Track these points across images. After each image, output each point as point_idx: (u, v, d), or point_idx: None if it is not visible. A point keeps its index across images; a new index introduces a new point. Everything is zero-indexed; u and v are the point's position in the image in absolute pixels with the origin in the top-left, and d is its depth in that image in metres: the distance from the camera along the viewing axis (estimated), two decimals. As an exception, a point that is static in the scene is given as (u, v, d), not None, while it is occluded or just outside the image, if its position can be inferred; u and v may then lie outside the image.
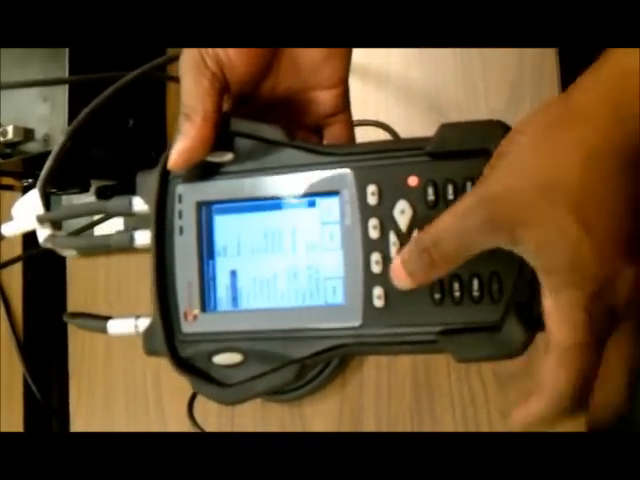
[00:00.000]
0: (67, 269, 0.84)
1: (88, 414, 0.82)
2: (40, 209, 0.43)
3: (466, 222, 0.32)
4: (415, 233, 0.36)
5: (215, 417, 0.74)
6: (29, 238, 0.44)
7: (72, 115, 0.65)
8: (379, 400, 0.68)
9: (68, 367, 0.83)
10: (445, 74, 0.65)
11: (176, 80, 0.70)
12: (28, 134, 0.68)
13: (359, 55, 0.67)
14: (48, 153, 0.46)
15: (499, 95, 0.63)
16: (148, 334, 0.40)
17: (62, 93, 0.66)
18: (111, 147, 0.73)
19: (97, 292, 0.82)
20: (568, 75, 0.59)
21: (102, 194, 0.74)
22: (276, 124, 0.39)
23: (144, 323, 0.40)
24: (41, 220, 0.42)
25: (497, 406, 0.63)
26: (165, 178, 0.40)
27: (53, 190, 0.69)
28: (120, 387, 0.80)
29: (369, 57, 0.68)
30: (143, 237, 0.41)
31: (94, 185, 0.73)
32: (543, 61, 0.61)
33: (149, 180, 0.40)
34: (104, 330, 0.42)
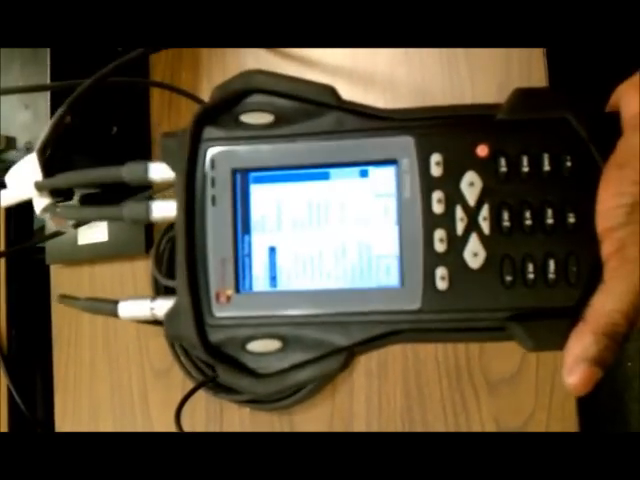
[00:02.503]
0: (51, 278, 0.81)
1: (74, 425, 0.79)
2: (38, 175, 0.38)
3: None
4: (485, 208, 0.33)
5: (203, 426, 0.72)
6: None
7: (55, 122, 0.63)
8: (370, 408, 0.66)
9: (53, 378, 0.80)
10: (431, 75, 0.64)
11: (160, 86, 0.67)
12: (10, 142, 0.65)
13: (345, 57, 0.67)
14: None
15: (486, 96, 0.62)
16: (172, 317, 0.35)
17: (44, 100, 0.64)
18: (94, 154, 0.70)
19: None
20: (556, 76, 0.59)
21: (86, 202, 0.71)
22: (325, 83, 0.35)
23: (162, 305, 0.36)
24: (40, 187, 0.37)
25: (490, 412, 0.62)
26: (197, 140, 0.35)
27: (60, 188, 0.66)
28: (106, 397, 0.78)
29: (355, 59, 0.67)
30: (162, 208, 0.36)
31: (77, 193, 0.69)
32: (530, 62, 0.61)
33: (177, 143, 0.35)
34: (115, 313, 0.37)
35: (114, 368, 0.77)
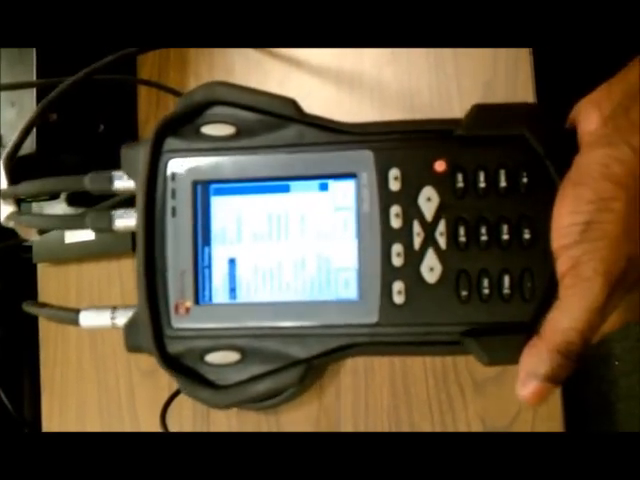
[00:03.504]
0: (38, 277, 0.81)
1: (61, 425, 0.79)
2: (4, 183, 0.38)
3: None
4: (442, 223, 0.33)
5: (190, 426, 0.72)
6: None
7: (40, 119, 0.63)
8: (356, 407, 0.67)
9: (40, 379, 0.81)
10: (418, 75, 0.64)
11: (147, 84, 0.67)
12: None
13: (332, 58, 0.67)
14: (17, 160, 0.42)
15: (473, 96, 0.62)
16: (131, 327, 0.35)
17: (30, 97, 0.64)
18: (81, 152, 0.70)
19: (69, 300, 0.80)
20: (542, 76, 0.58)
21: (73, 201, 0.72)
22: (286, 96, 0.34)
23: (122, 315, 0.36)
24: (4, 195, 0.37)
25: (476, 412, 0.62)
26: (157, 151, 0.35)
27: (22, 197, 0.65)
28: (93, 398, 0.78)
29: (342, 60, 0.67)
30: (124, 218, 0.36)
31: (64, 193, 0.70)
32: (517, 62, 0.60)
33: (137, 153, 0.35)
34: (75, 322, 0.37)
35: (101, 368, 0.77)
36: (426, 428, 0.63)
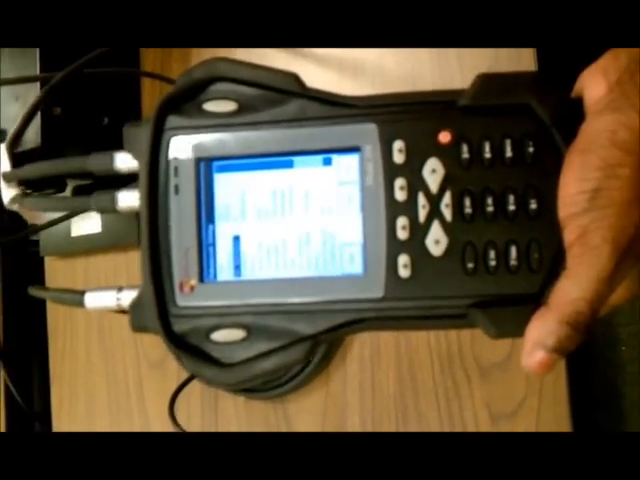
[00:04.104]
0: (45, 270, 0.81)
1: (70, 418, 0.80)
2: (7, 166, 0.38)
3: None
4: (447, 195, 0.32)
5: (198, 417, 0.72)
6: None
7: (45, 114, 0.64)
8: (363, 395, 0.66)
9: (49, 371, 0.81)
10: (421, 63, 0.64)
11: (151, 76, 0.67)
12: (1, 134, 0.63)
13: None
14: (21, 154, 0.42)
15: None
16: (136, 307, 0.35)
17: (33, 92, 0.63)
18: (86, 145, 0.69)
19: None
20: (544, 58, 0.58)
21: (79, 193, 0.71)
22: (288, 70, 0.34)
23: (128, 296, 0.36)
24: (7, 178, 0.37)
25: (482, 398, 0.62)
26: (159, 129, 0.35)
27: (28, 190, 0.66)
28: (102, 390, 0.78)
29: (344, 48, 0.66)
30: (128, 198, 0.36)
31: (70, 184, 0.70)
32: (520, 53, 0.60)
33: (139, 132, 0.35)
34: (81, 304, 0.37)
35: (109, 360, 0.78)
36: (432, 415, 0.63)
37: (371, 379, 0.66)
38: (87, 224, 0.74)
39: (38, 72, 0.64)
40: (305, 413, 0.68)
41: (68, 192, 0.70)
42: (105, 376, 0.78)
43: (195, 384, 0.70)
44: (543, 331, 0.30)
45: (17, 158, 0.40)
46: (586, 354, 0.71)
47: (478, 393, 0.62)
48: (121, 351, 0.77)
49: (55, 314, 0.80)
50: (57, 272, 0.80)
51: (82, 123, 0.69)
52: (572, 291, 0.29)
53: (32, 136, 0.63)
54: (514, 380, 0.61)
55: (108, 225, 0.73)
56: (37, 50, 0.65)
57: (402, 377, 0.65)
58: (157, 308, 0.34)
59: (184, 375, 0.67)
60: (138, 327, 0.35)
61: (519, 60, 0.60)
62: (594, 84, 0.31)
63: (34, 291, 0.39)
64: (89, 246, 0.75)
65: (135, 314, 0.35)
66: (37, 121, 0.63)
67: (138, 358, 0.76)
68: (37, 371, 0.84)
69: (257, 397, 0.70)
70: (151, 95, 0.75)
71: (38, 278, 0.81)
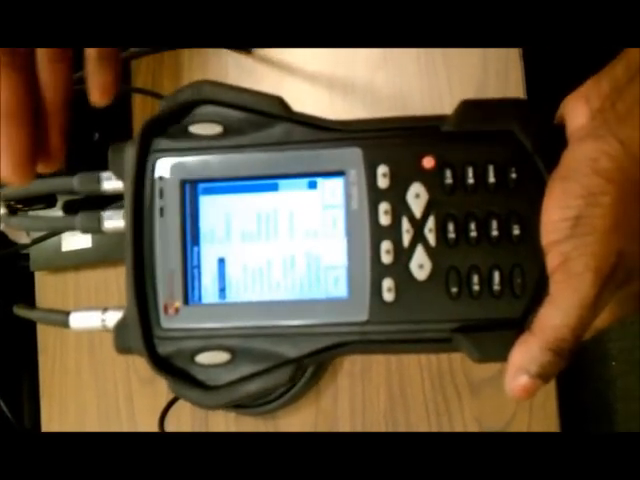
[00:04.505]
0: (35, 285, 0.81)
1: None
2: (-8, 187, 0.38)
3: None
4: (431, 220, 0.32)
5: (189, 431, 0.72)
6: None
7: None
8: (354, 411, 0.67)
9: (39, 387, 0.81)
10: (410, 80, 0.65)
11: (141, 92, 0.67)
12: None
13: (325, 63, 0.67)
14: None
15: (464, 97, 0.62)
16: (120, 329, 0.35)
17: None
18: (76, 161, 0.69)
19: (67, 308, 0.79)
20: (533, 80, 0.58)
21: (69, 209, 0.71)
22: (273, 94, 0.34)
23: (113, 317, 0.36)
24: (-6, 197, 0.37)
25: (472, 413, 0.62)
26: (144, 151, 0.35)
27: (18, 206, 0.65)
28: (92, 406, 0.78)
29: (334, 65, 0.67)
30: (113, 218, 0.36)
31: (60, 200, 0.70)
32: (508, 65, 0.61)
33: (124, 153, 0.35)
34: (66, 324, 0.37)
35: (100, 376, 0.77)
36: (423, 430, 0.63)
37: (362, 395, 0.66)
38: (77, 239, 0.74)
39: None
40: (296, 429, 0.68)
41: (58, 207, 0.70)
42: (95, 392, 0.77)
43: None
44: (526, 357, 0.30)
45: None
46: (576, 369, 0.71)
47: (468, 409, 0.62)
48: (111, 367, 0.76)
49: (45, 329, 0.79)
50: (47, 287, 0.80)
51: (72, 138, 0.69)
52: (555, 318, 0.29)
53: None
54: (504, 396, 0.61)
55: (98, 240, 0.73)
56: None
57: (392, 393, 0.65)
58: (141, 330, 0.34)
59: (174, 391, 0.67)
60: (122, 348, 0.35)
61: (506, 79, 0.60)
62: (576, 111, 0.31)
63: (20, 311, 0.39)
64: (79, 261, 0.75)
65: (119, 335, 0.35)
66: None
67: (128, 374, 0.75)
68: (27, 386, 0.83)
69: (248, 413, 0.70)
70: (142, 111, 0.75)
71: (28, 293, 0.81)
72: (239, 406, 0.69)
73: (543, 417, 0.60)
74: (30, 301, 0.81)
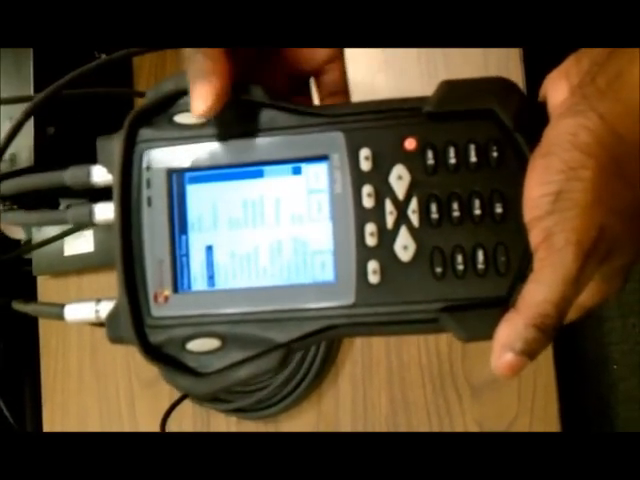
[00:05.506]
0: (38, 290, 0.82)
1: None
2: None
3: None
4: (414, 201, 0.33)
5: None
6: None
7: (38, 134, 0.65)
8: (355, 414, 0.67)
9: (41, 390, 0.81)
10: (411, 82, 0.65)
11: (143, 95, 0.67)
12: None
13: None
14: (15, 173, 0.42)
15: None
16: (112, 319, 0.35)
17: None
18: (79, 164, 0.69)
19: None
20: (533, 78, 0.58)
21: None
22: (255, 82, 0.35)
23: (106, 307, 0.36)
24: (-13, 194, 0.38)
25: (473, 416, 0.63)
26: (131, 142, 0.35)
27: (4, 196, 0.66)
28: (94, 409, 0.78)
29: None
30: (105, 211, 0.36)
31: (63, 204, 0.70)
32: (508, 68, 0.61)
33: (112, 145, 0.35)
34: (61, 316, 0.37)
35: (101, 379, 0.78)
36: (424, 433, 0.63)
37: (363, 398, 0.67)
38: (79, 243, 0.75)
39: (32, 92, 0.65)
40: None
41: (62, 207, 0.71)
42: (97, 395, 0.78)
43: (187, 404, 0.70)
44: (511, 334, 0.30)
45: (10, 177, 0.41)
46: (578, 372, 0.71)
47: (469, 412, 0.63)
48: (113, 370, 0.77)
49: (47, 333, 0.80)
50: (50, 291, 0.81)
51: (75, 142, 0.69)
52: (538, 294, 0.29)
53: (25, 155, 0.64)
54: (506, 399, 0.61)
55: (100, 244, 0.74)
56: (31, 71, 0.65)
57: (394, 396, 0.66)
58: (132, 319, 0.34)
59: (176, 394, 0.67)
60: (114, 338, 0.35)
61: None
62: (556, 88, 0.31)
63: (17, 305, 0.39)
64: (82, 265, 0.76)
65: (111, 325, 0.35)
66: (30, 140, 0.64)
67: (130, 377, 0.76)
68: (29, 390, 0.84)
69: (249, 417, 0.70)
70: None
71: (31, 297, 0.81)
72: (240, 410, 0.69)
73: (544, 420, 0.60)
74: (33, 305, 0.81)
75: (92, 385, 0.78)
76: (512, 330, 0.30)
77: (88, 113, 0.70)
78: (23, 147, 0.65)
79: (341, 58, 0.40)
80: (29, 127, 0.64)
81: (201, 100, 0.32)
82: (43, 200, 0.66)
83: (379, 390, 0.66)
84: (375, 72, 0.67)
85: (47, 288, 0.81)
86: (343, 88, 0.40)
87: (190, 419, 0.73)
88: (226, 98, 0.33)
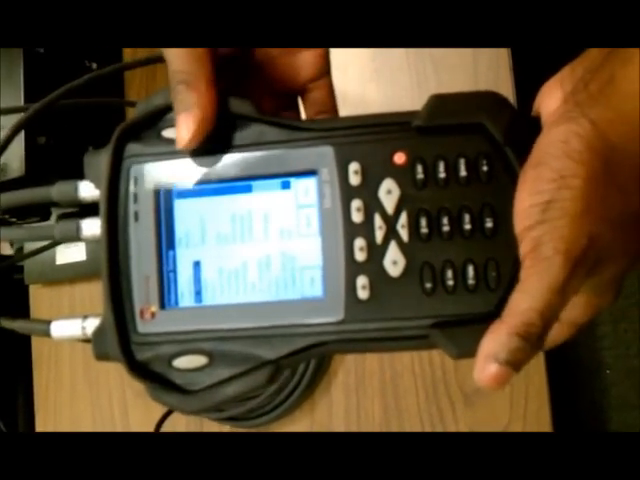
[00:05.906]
0: (30, 298, 0.82)
1: None
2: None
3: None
4: (403, 216, 0.32)
5: None
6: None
7: (29, 143, 0.65)
8: (348, 422, 0.67)
9: (34, 400, 0.81)
10: (401, 91, 0.65)
11: (134, 105, 0.67)
12: None
13: None
14: (5, 183, 0.41)
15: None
16: (98, 335, 0.34)
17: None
18: (71, 174, 0.69)
19: None
20: (523, 91, 0.58)
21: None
22: (243, 97, 0.34)
23: (93, 324, 0.35)
24: (-25, 210, 0.37)
25: (466, 424, 0.63)
26: (118, 157, 0.35)
27: (13, 219, 0.65)
28: (87, 418, 0.78)
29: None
30: (92, 226, 0.36)
31: (55, 213, 0.70)
32: (498, 76, 0.61)
33: (99, 160, 0.35)
34: (47, 333, 0.37)
35: (94, 388, 0.77)
36: (418, 441, 0.63)
37: (356, 406, 0.67)
38: (72, 252, 0.74)
39: (22, 101, 0.65)
40: (291, 440, 0.68)
41: (53, 220, 0.70)
42: (90, 404, 0.78)
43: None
44: (495, 344, 0.29)
45: (1, 187, 0.40)
46: (571, 378, 0.71)
47: (462, 419, 0.63)
48: (106, 379, 0.76)
49: (40, 342, 0.80)
50: (42, 300, 0.80)
51: (67, 152, 0.69)
52: (523, 302, 0.28)
53: (16, 165, 0.64)
54: (498, 405, 0.61)
55: (93, 253, 0.74)
56: (22, 80, 0.65)
57: (387, 404, 0.66)
58: (117, 336, 0.34)
59: (169, 404, 0.67)
60: (100, 355, 0.35)
61: (497, 85, 0.60)
62: (551, 96, 0.31)
63: (4, 322, 0.39)
64: (74, 274, 0.75)
65: (97, 342, 0.35)
66: (21, 150, 0.64)
67: (123, 386, 0.76)
68: (22, 399, 0.83)
69: (242, 426, 0.69)
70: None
71: (23, 306, 0.81)
72: (233, 419, 0.69)
73: (537, 426, 0.60)
74: (25, 315, 0.81)
75: (85, 394, 0.78)
76: (495, 340, 0.29)
77: (79, 123, 0.70)
78: (14, 157, 0.64)
79: (327, 76, 0.39)
80: (20, 137, 0.64)
81: (185, 131, 0.33)
82: (34, 209, 0.66)
83: (372, 398, 0.66)
84: (366, 82, 0.67)
85: (39, 297, 0.81)
86: (331, 107, 0.39)
87: (183, 428, 0.72)
88: (210, 127, 0.33)
